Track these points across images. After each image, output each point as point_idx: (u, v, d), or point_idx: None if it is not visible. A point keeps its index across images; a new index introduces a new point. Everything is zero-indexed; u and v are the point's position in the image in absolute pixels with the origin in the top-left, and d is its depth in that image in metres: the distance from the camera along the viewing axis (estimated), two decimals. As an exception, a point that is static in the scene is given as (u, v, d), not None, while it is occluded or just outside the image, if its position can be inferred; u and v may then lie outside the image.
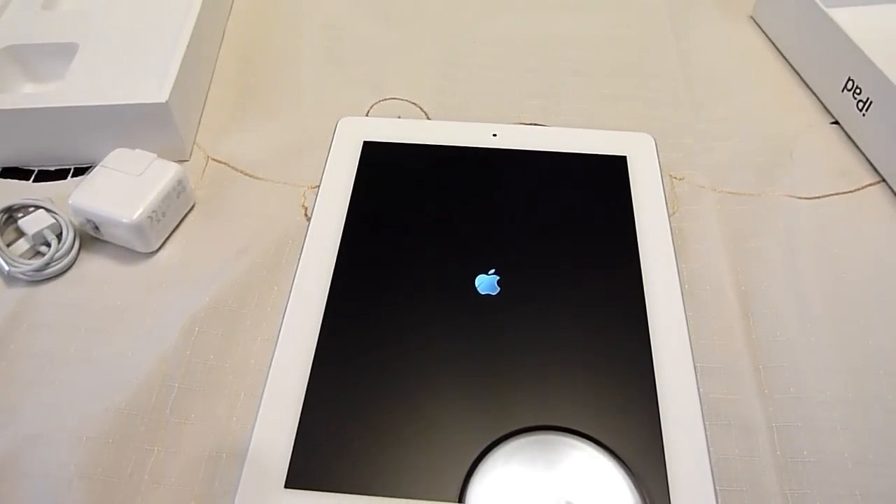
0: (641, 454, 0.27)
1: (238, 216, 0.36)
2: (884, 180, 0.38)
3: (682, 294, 0.32)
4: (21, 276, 0.33)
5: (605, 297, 0.31)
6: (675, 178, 0.38)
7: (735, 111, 0.42)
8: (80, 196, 0.33)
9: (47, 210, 0.35)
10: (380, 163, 0.37)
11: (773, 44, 0.46)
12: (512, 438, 0.27)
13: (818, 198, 0.37)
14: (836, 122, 0.41)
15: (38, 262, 0.33)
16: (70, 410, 0.29)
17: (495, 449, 0.27)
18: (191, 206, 0.37)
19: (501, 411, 0.28)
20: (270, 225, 0.36)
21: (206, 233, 0.36)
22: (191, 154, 0.39)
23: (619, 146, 0.38)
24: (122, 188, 0.33)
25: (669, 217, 0.35)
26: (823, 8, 0.40)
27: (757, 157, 0.39)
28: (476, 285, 0.32)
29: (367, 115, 0.42)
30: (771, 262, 0.34)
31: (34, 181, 0.38)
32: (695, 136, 0.40)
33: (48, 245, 0.34)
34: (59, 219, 0.34)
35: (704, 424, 0.28)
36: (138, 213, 0.33)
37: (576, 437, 0.27)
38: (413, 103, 0.42)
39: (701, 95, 0.43)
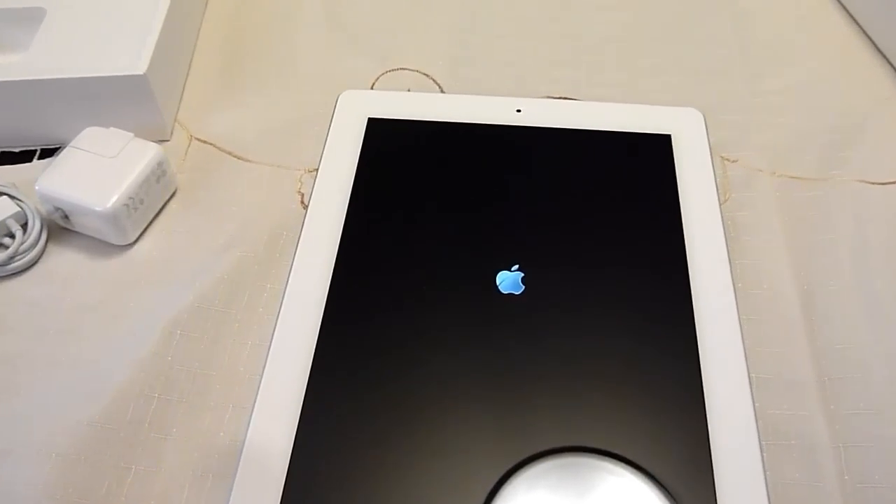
0: (687, 479, 0.27)
1: (226, 204, 0.36)
2: (972, 163, 0.37)
3: (736, 295, 0.31)
4: (-18, 271, 0.33)
5: (646, 297, 0.31)
6: (728, 160, 0.38)
7: (797, 82, 0.41)
8: (48, 181, 0.33)
9: (10, 197, 0.35)
10: (387, 142, 0.37)
11: (841, 4, 0.45)
12: (538, 461, 0.27)
13: (894, 183, 0.36)
14: (916, 95, 0.40)
15: None
16: (37, 423, 0.29)
17: (519, 473, 0.27)
18: (172, 192, 0.37)
19: (526, 430, 0.28)
20: (262, 214, 0.36)
21: (189, 223, 0.36)
22: (172, 133, 0.39)
23: (663, 123, 0.37)
24: (94, 172, 0.34)
25: (721, 205, 0.35)
26: (902, -38, 0.39)
27: (823, 136, 0.38)
28: (497, 283, 0.32)
29: (371, 88, 0.41)
30: (839, 258, 0.34)
31: (-4, 164, 0.38)
32: (750, 111, 0.40)
33: (12, 236, 0.34)
34: (24, 206, 0.35)
35: (761, 445, 0.28)
36: (113, 200, 0.33)
37: (612, 460, 0.27)
38: (425, 74, 0.42)
39: (758, 64, 0.42)
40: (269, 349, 0.30)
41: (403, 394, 0.29)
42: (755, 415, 0.28)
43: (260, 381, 0.29)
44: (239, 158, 0.38)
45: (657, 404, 0.28)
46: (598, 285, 0.32)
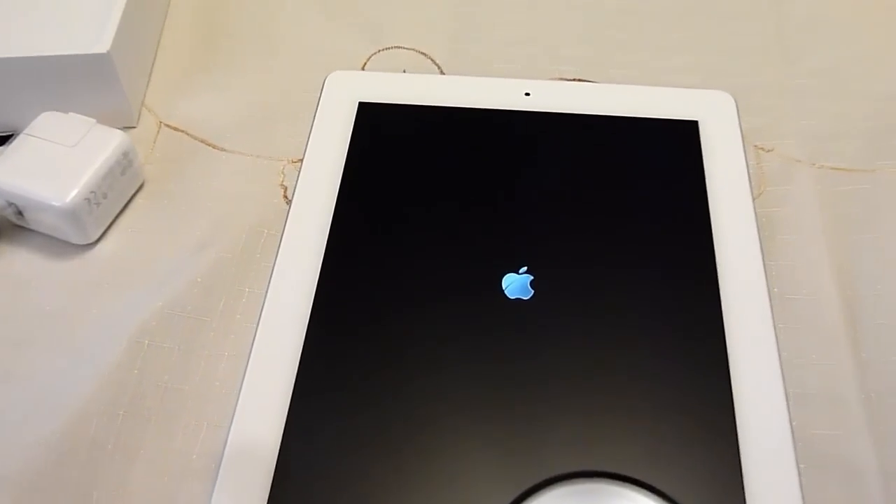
0: (717, 506, 0.27)
1: (199, 198, 0.37)
2: None
3: (771, 301, 0.31)
4: (-74, 273, 0.33)
5: (670, 304, 0.31)
6: (762, 149, 0.38)
7: (841, 61, 0.41)
8: (0, 173, 0.34)
9: (-42, 190, 0.35)
10: (379, 130, 0.37)
11: (890, -26, 0.45)
12: (550, 488, 0.27)
13: (949, 175, 0.36)
14: (974, 77, 0.40)
15: (-54, 256, 0.33)
16: (-12, 444, 0.29)
17: (529, 501, 0.27)
18: (139, 185, 0.37)
19: (537, 452, 0.28)
20: (241, 209, 0.36)
21: (158, 219, 0.36)
22: (139, 119, 0.40)
23: (689, 108, 0.37)
24: (51, 162, 0.34)
25: (754, 200, 0.35)
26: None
27: (870, 122, 0.38)
28: (503, 287, 0.32)
29: (363, 69, 0.41)
30: (887, 259, 0.34)
31: (-58, 154, 0.38)
32: (787, 94, 0.40)
33: (-40, 235, 0.34)
34: (-26, 201, 0.35)
35: (798, 469, 0.28)
36: (72, 194, 0.33)
37: (632, 486, 0.27)
38: (422, 53, 0.42)
39: (797, 40, 0.42)
40: (248, 361, 0.30)
41: (398, 413, 0.29)
42: (792, 435, 0.28)
43: (238, 398, 0.29)
44: (214, 147, 0.38)
45: (683, 424, 0.28)
46: (615, 290, 0.32)
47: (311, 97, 0.40)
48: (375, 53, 0.42)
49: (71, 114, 0.35)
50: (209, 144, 0.39)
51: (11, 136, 0.39)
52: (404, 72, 0.41)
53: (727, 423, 0.28)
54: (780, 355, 0.30)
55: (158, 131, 0.39)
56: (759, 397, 0.29)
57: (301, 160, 0.37)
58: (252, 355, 0.30)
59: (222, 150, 0.38)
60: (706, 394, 0.29)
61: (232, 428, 0.29)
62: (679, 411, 0.29)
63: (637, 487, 0.27)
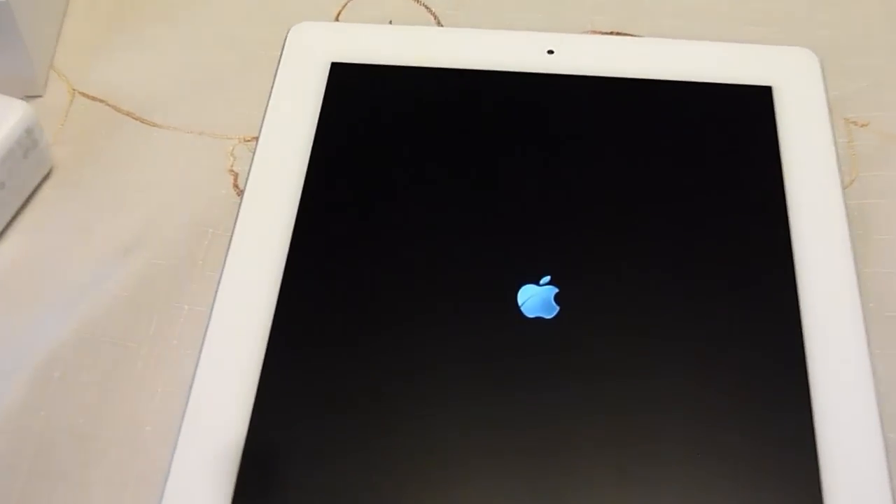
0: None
1: (124, 188, 0.37)
2: None
3: (864, 318, 0.32)
4: None
5: (737, 323, 0.31)
6: (855, 123, 0.38)
7: (956, 10, 0.41)
8: None
9: None
10: (358, 98, 0.37)
11: None
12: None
13: None
14: None
15: None
16: None
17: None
18: (47, 171, 0.37)
19: (561, 512, 0.28)
20: (177, 203, 0.36)
21: (71, 216, 0.36)
22: (46, 86, 0.40)
23: (760, 70, 0.38)
24: (-66, 142, 0.34)
25: (844, 190, 0.35)
26: None
27: None
28: (520, 303, 0.32)
29: (337, 20, 0.42)
30: None
31: None
32: (888, 52, 0.40)
33: None
34: None
35: (901, 536, 0.28)
36: (-39, 183, 0.33)
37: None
38: (413, -1, 0.42)
39: (898, -16, 0.42)
40: (188, 399, 0.30)
41: (386, 468, 0.29)
42: (892, 491, 0.28)
43: (175, 447, 0.30)
44: (143, 122, 0.39)
45: (751, 479, 0.28)
46: (665, 308, 0.32)
47: (270, 56, 0.40)
48: None
49: (-42, 79, 0.36)
50: (136, 118, 0.39)
51: None
52: (390, 23, 0.41)
53: (810, 478, 0.28)
54: (876, 389, 0.30)
55: (71, 102, 0.39)
56: (849, 443, 0.29)
57: (256, 138, 0.37)
58: (193, 393, 0.30)
59: (153, 125, 0.39)
60: (783, 439, 0.29)
61: (168, 481, 0.29)
62: (745, 465, 0.29)
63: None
